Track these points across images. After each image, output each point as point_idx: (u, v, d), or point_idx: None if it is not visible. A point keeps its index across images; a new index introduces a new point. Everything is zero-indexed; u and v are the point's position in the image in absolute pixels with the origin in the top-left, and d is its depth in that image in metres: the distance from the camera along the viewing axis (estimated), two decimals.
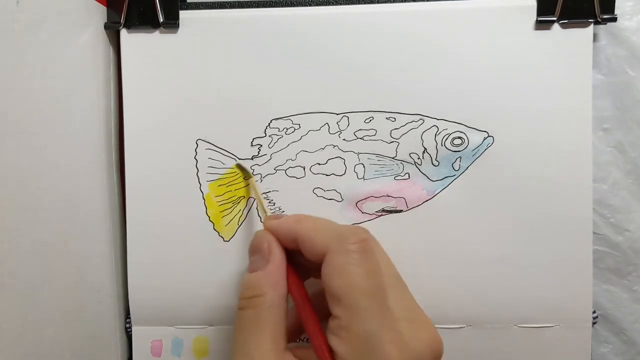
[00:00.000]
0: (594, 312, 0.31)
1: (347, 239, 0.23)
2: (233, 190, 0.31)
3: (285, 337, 0.23)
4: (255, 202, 0.31)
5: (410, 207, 0.31)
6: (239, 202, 0.31)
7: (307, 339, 0.26)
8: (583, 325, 0.31)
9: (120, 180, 0.32)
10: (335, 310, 0.22)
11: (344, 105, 0.30)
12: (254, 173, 0.31)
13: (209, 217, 0.31)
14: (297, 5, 0.30)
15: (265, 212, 0.28)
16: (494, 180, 0.30)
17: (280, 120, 0.31)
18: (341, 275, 0.22)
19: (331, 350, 0.22)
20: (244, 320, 0.23)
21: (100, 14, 0.31)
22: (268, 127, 0.31)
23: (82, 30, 0.29)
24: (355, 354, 0.21)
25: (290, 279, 0.25)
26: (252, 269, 0.25)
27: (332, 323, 0.22)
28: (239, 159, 0.31)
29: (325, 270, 0.23)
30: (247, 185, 0.31)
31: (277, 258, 0.25)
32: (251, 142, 0.31)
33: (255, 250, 0.26)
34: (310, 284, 0.26)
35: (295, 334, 0.26)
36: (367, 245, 0.23)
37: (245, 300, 0.24)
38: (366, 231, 0.24)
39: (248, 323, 0.23)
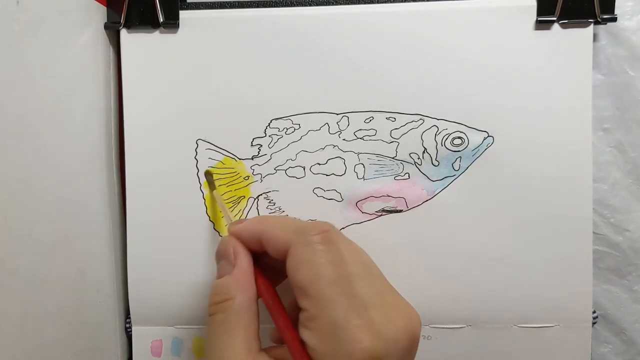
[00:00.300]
0: (594, 312, 0.31)
1: (309, 232, 0.23)
2: (233, 190, 0.31)
3: (258, 339, 0.23)
4: (255, 202, 0.31)
5: (410, 207, 0.31)
6: (239, 202, 0.31)
7: None
8: (583, 325, 0.31)
9: (120, 180, 0.32)
10: (303, 302, 0.22)
11: (344, 105, 0.30)
12: (254, 173, 0.31)
13: (209, 217, 0.31)
14: (297, 5, 0.30)
15: (230, 219, 0.28)
16: (494, 180, 0.30)
17: (280, 120, 0.31)
18: (305, 266, 0.22)
19: (303, 343, 0.21)
20: (214, 325, 0.23)
21: (100, 14, 0.31)
22: (268, 127, 0.31)
23: (82, 30, 0.29)
24: (325, 343, 0.21)
25: (258, 280, 0.25)
26: (219, 275, 0.25)
27: (301, 316, 0.22)
28: (239, 158, 0.31)
29: (290, 263, 0.23)
30: (247, 186, 0.31)
31: (244, 261, 0.25)
32: (251, 142, 0.31)
33: (221, 256, 0.26)
34: (284, 290, 0.26)
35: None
36: (329, 236, 0.23)
37: (214, 305, 0.24)
38: (329, 224, 0.24)
39: (218, 327, 0.23)
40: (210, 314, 0.24)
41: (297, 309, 0.23)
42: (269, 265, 0.25)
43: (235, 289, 0.24)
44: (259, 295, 0.24)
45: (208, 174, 0.31)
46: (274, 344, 0.25)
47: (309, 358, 0.21)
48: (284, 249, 0.23)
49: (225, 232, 0.31)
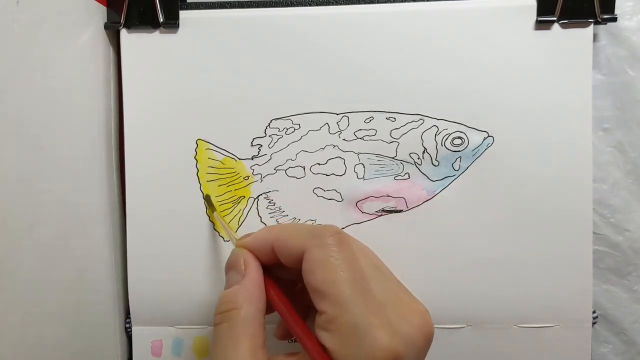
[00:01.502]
0: (594, 312, 0.31)
1: (322, 234, 0.23)
2: (233, 190, 0.31)
3: (264, 349, 0.23)
4: (255, 202, 0.31)
5: (410, 207, 0.31)
6: (239, 202, 0.31)
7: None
8: (583, 325, 0.31)
9: (120, 180, 0.32)
10: (321, 305, 0.22)
11: (344, 105, 0.30)
12: (254, 173, 0.31)
13: (209, 217, 0.31)
14: (297, 5, 0.30)
15: (234, 238, 0.28)
16: (494, 180, 0.30)
17: (280, 120, 0.31)
18: (322, 268, 0.22)
19: (323, 347, 0.21)
20: (220, 334, 0.23)
21: (100, 14, 0.31)
22: (268, 127, 0.31)
23: (82, 30, 0.29)
24: (346, 344, 0.21)
25: (270, 290, 0.24)
26: (228, 285, 0.25)
27: (319, 319, 0.22)
28: (239, 158, 0.31)
29: (306, 267, 0.23)
30: (247, 186, 0.31)
31: (253, 272, 0.24)
32: (251, 142, 0.31)
33: (230, 266, 0.25)
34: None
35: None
36: (342, 238, 0.23)
37: (220, 315, 0.24)
38: (337, 227, 0.24)
39: (224, 336, 0.23)
40: (215, 323, 0.24)
41: (310, 315, 0.23)
42: (278, 277, 0.25)
43: (242, 299, 0.23)
44: (271, 305, 0.24)
45: (207, 197, 0.31)
46: (283, 354, 0.25)
47: None
48: (298, 254, 0.23)
49: (225, 232, 0.31)
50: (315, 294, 0.22)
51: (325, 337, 0.21)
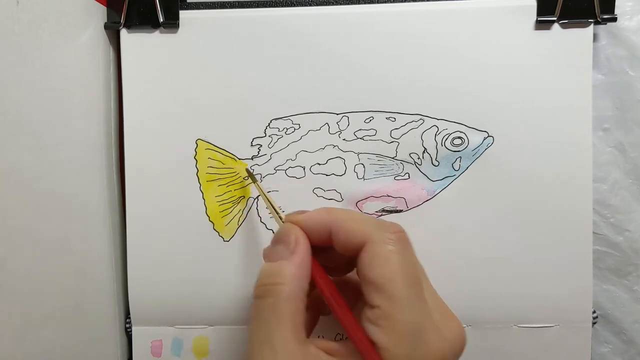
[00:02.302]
0: (594, 312, 0.31)
1: (387, 229, 0.23)
2: (233, 190, 0.31)
3: (305, 329, 0.23)
4: (255, 202, 0.31)
5: (410, 207, 0.31)
6: (239, 202, 0.31)
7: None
8: (583, 325, 0.31)
9: (120, 180, 0.32)
10: (375, 299, 0.21)
11: (344, 105, 0.30)
12: (254, 173, 0.31)
13: (209, 217, 0.31)
14: (297, 5, 0.30)
15: (279, 215, 0.27)
16: (494, 180, 0.30)
17: (280, 120, 0.31)
18: (383, 263, 0.22)
19: (371, 341, 0.21)
20: (262, 308, 0.22)
21: (100, 14, 0.31)
22: (268, 127, 0.31)
23: (82, 30, 0.29)
24: (399, 343, 0.21)
25: (317, 273, 0.24)
26: (273, 258, 0.24)
27: (371, 313, 0.21)
28: (239, 158, 0.31)
29: (365, 259, 0.22)
30: (246, 186, 0.31)
31: (303, 250, 0.24)
32: (251, 142, 0.31)
33: (280, 240, 0.25)
34: None
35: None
36: (405, 237, 0.23)
37: (263, 287, 0.23)
38: (401, 226, 0.24)
39: (267, 311, 0.22)
40: (258, 295, 0.23)
41: (356, 304, 0.23)
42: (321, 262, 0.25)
43: (290, 275, 0.23)
44: (314, 288, 0.24)
45: (248, 170, 0.30)
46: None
47: (379, 357, 0.21)
48: (358, 242, 0.23)
49: (224, 232, 0.31)
50: (370, 286, 0.22)
51: (375, 332, 0.21)
